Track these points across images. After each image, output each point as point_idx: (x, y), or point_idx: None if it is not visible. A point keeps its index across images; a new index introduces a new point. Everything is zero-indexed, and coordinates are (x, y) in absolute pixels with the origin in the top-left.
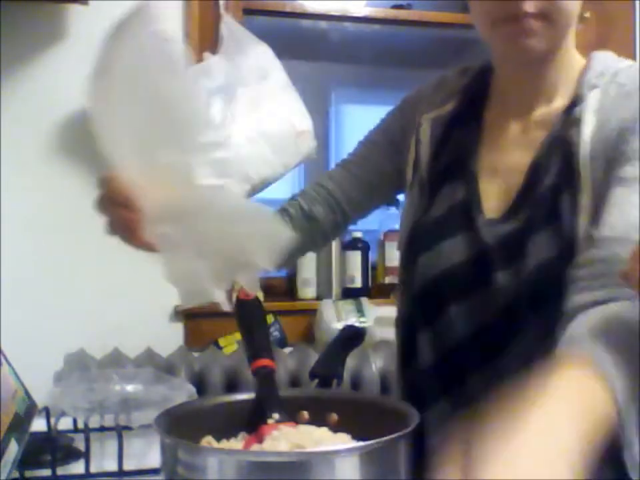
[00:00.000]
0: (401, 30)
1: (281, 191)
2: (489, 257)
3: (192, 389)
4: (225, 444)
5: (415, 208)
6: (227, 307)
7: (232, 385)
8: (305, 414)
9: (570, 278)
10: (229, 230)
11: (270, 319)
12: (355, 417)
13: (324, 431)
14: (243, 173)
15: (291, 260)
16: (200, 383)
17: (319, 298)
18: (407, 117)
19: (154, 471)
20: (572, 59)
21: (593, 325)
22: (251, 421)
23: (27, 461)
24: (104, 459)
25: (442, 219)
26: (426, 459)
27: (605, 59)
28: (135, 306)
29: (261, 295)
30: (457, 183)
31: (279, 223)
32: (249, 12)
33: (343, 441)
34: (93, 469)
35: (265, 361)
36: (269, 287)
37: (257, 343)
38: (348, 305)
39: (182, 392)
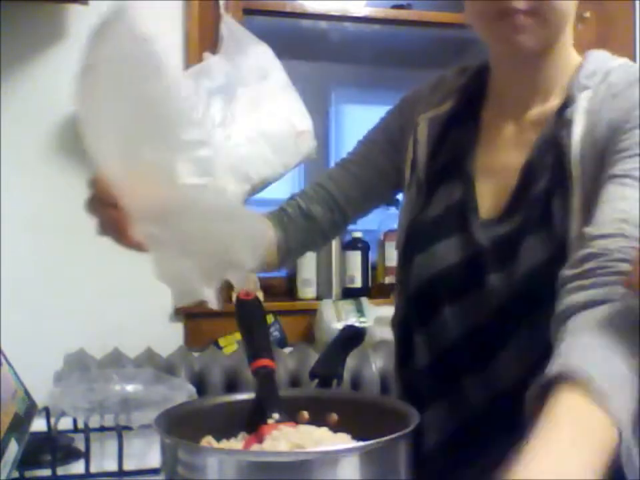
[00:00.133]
0: (400, 30)
1: (281, 190)
2: (483, 258)
3: (192, 389)
4: (225, 444)
5: (412, 207)
6: (216, 305)
7: (232, 385)
8: (305, 414)
9: (561, 278)
10: (213, 229)
11: (270, 318)
12: (355, 416)
13: (324, 431)
14: (242, 173)
15: (290, 260)
16: (200, 383)
17: (319, 298)
18: (406, 116)
19: (154, 471)
20: (568, 57)
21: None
22: (251, 420)
23: (26, 461)
24: (104, 459)
25: (439, 218)
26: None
27: (599, 58)
28: (135, 306)
29: (261, 295)
30: (453, 183)
31: (261, 222)
32: (249, 12)
33: (343, 441)
34: (93, 469)
35: (264, 361)
36: (268, 287)
37: (257, 343)
38: (348, 305)
39: (182, 392)
